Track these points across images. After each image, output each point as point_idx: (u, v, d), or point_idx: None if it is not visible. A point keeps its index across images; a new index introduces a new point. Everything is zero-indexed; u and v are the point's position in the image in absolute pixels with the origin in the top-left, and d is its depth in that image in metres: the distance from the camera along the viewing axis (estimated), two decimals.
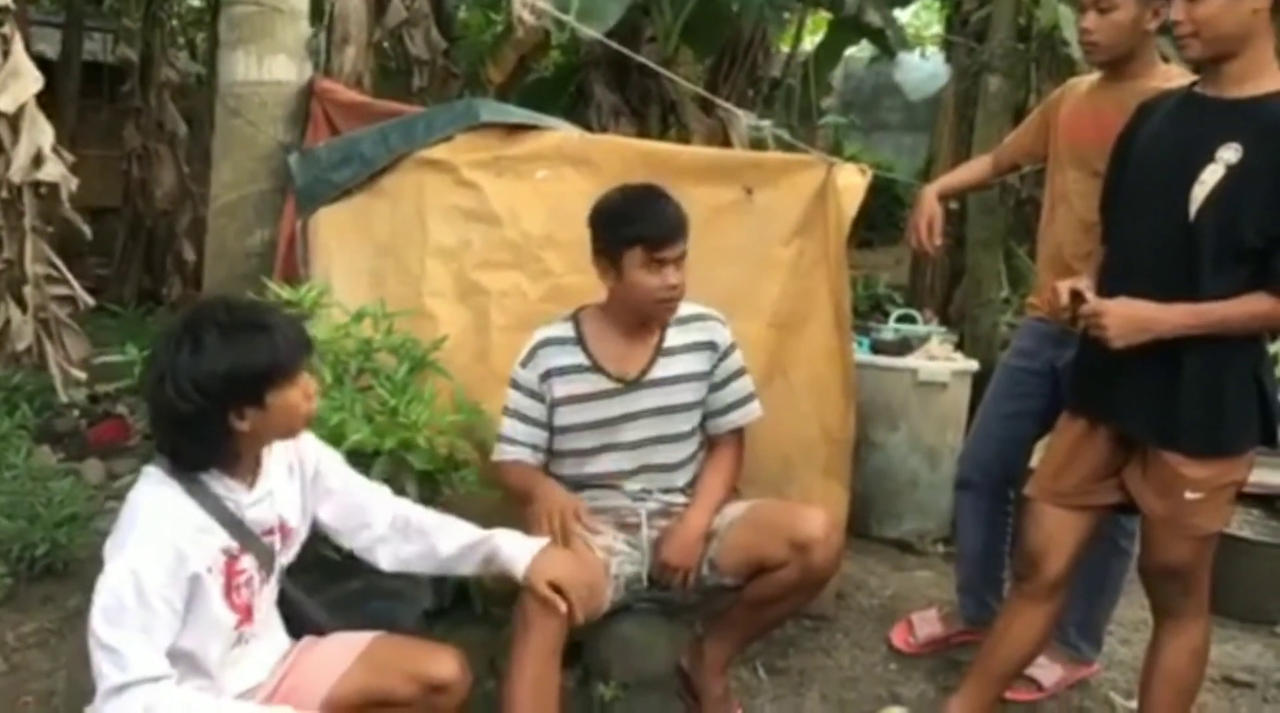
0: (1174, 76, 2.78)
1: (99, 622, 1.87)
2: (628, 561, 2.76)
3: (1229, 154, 2.25)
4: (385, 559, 2.36)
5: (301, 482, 2.27)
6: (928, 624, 3.41)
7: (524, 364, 2.80)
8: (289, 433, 2.15)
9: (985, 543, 3.26)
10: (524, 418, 2.80)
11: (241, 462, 2.09)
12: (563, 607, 2.31)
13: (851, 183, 3.23)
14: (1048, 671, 3.15)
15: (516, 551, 2.36)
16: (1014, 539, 3.36)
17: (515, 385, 2.81)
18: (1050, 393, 2.98)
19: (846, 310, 3.33)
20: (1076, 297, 2.42)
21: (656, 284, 2.65)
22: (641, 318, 2.77)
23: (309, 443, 2.30)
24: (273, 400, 2.00)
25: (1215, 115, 2.31)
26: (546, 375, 2.77)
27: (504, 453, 2.83)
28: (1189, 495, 2.37)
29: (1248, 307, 2.26)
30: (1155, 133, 2.44)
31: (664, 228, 2.65)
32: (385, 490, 2.43)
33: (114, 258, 8.16)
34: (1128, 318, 2.33)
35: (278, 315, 2.11)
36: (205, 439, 1.99)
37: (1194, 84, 2.41)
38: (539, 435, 2.81)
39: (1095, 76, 2.97)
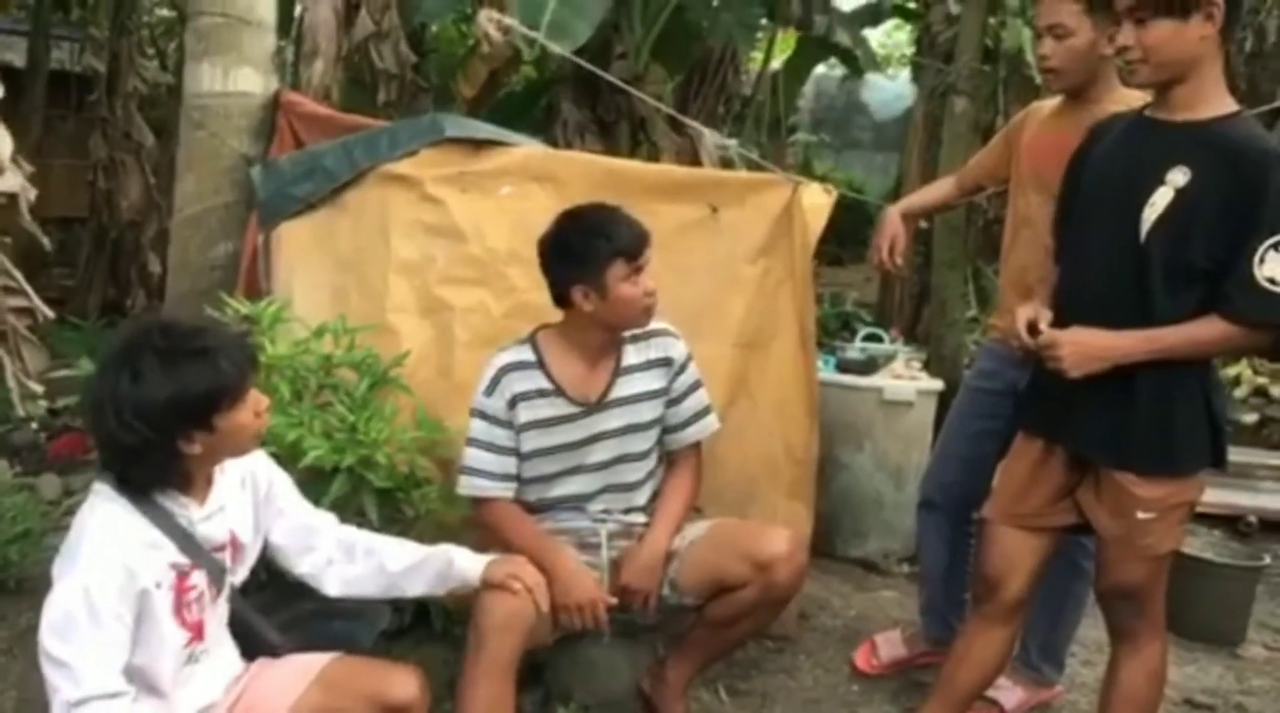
0: (1134, 100, 2.80)
1: (49, 638, 1.84)
2: None
3: (1178, 177, 2.27)
4: (333, 584, 2.34)
5: (254, 497, 2.24)
6: (891, 645, 3.40)
7: (488, 392, 2.72)
8: (241, 451, 2.13)
9: (948, 563, 3.26)
10: (494, 448, 2.73)
11: (193, 481, 2.07)
12: (516, 586, 2.34)
13: (817, 202, 3.25)
14: (1009, 693, 3.15)
15: (471, 561, 2.38)
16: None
17: (482, 415, 2.73)
18: (1012, 414, 3.00)
19: (811, 330, 3.34)
20: (1032, 327, 2.44)
21: (640, 292, 2.64)
22: (615, 335, 2.75)
23: (261, 460, 2.28)
24: (221, 423, 1.97)
25: (1165, 138, 2.33)
26: (513, 402, 2.72)
27: (477, 488, 2.74)
28: (1141, 515, 2.38)
29: (1201, 331, 2.27)
30: (1106, 155, 2.46)
31: (637, 235, 2.65)
32: (332, 517, 2.41)
33: (79, 269, 8.09)
34: (1083, 346, 2.34)
35: (219, 335, 2.05)
36: (154, 465, 1.97)
37: (1145, 107, 2.43)
38: (510, 464, 2.74)
39: (1058, 100, 2.98)
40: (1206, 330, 2.27)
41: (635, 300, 2.64)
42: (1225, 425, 2.42)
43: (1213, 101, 2.30)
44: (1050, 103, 3.03)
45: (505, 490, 2.74)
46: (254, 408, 2.05)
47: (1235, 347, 2.33)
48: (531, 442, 2.74)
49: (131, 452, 1.92)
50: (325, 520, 2.38)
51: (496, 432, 2.72)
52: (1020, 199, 3.01)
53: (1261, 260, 2.19)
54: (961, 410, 3.21)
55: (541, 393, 2.73)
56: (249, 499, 2.22)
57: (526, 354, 2.75)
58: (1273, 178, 2.18)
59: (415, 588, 2.39)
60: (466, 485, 2.74)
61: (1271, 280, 2.19)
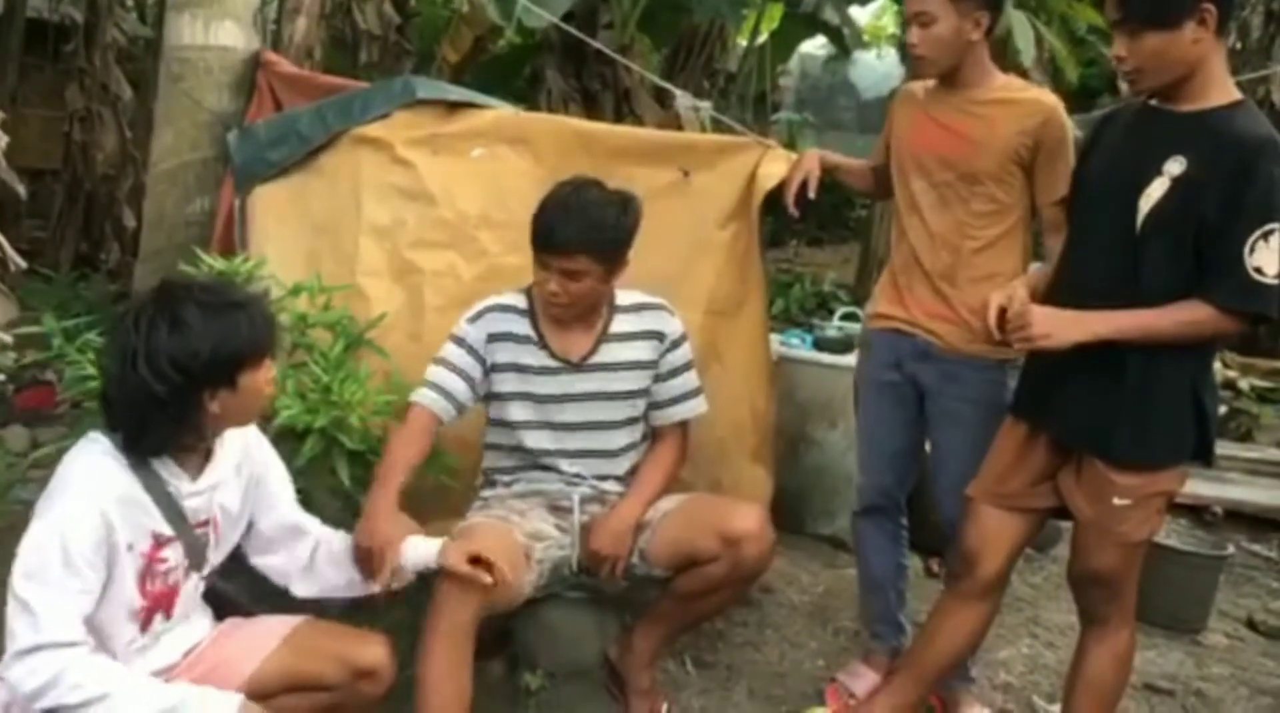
0: (1014, 85, 2.83)
1: (19, 580, 1.84)
2: (555, 545, 2.73)
3: (1174, 167, 2.27)
4: (300, 587, 2.37)
5: (246, 482, 2.24)
6: (858, 678, 3.16)
7: (471, 321, 2.75)
8: (250, 417, 2.15)
9: (895, 563, 3.16)
10: (453, 368, 2.71)
11: (196, 449, 2.08)
12: (486, 579, 2.32)
13: (774, 170, 3.19)
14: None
15: (427, 549, 2.38)
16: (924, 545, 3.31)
17: (457, 340, 2.74)
18: (919, 402, 2.96)
19: (767, 294, 3.39)
20: (1002, 312, 2.43)
21: (541, 282, 2.65)
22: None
23: (261, 446, 2.29)
24: (244, 382, 2.00)
25: (1165, 129, 2.33)
26: (493, 338, 2.73)
27: (417, 394, 2.71)
28: (1117, 502, 2.39)
29: (1179, 314, 2.27)
30: (1109, 146, 2.47)
31: (543, 231, 2.62)
32: (316, 521, 2.41)
33: (51, 221, 7.98)
34: (1053, 319, 2.35)
35: (249, 293, 2.10)
36: (174, 420, 1.97)
37: (1151, 96, 2.42)
38: (459, 387, 2.70)
39: (931, 83, 2.92)
40: (1180, 313, 2.27)
41: (539, 284, 2.66)
42: (1214, 421, 2.43)
43: (1214, 92, 2.30)
44: (923, 84, 2.96)
45: (435, 404, 2.68)
46: (268, 373, 2.08)
47: (1208, 332, 2.30)
48: (507, 385, 2.75)
49: (154, 405, 1.93)
50: (311, 525, 2.39)
51: (463, 356, 2.73)
52: (905, 187, 2.94)
53: (1251, 250, 2.19)
54: (879, 410, 3.06)
55: (525, 339, 2.74)
56: (240, 483, 2.22)
57: (519, 301, 2.78)
58: (1263, 165, 2.18)
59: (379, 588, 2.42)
60: (414, 393, 2.71)
61: (1259, 270, 2.20)
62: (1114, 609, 2.55)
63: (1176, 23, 2.22)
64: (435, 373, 2.73)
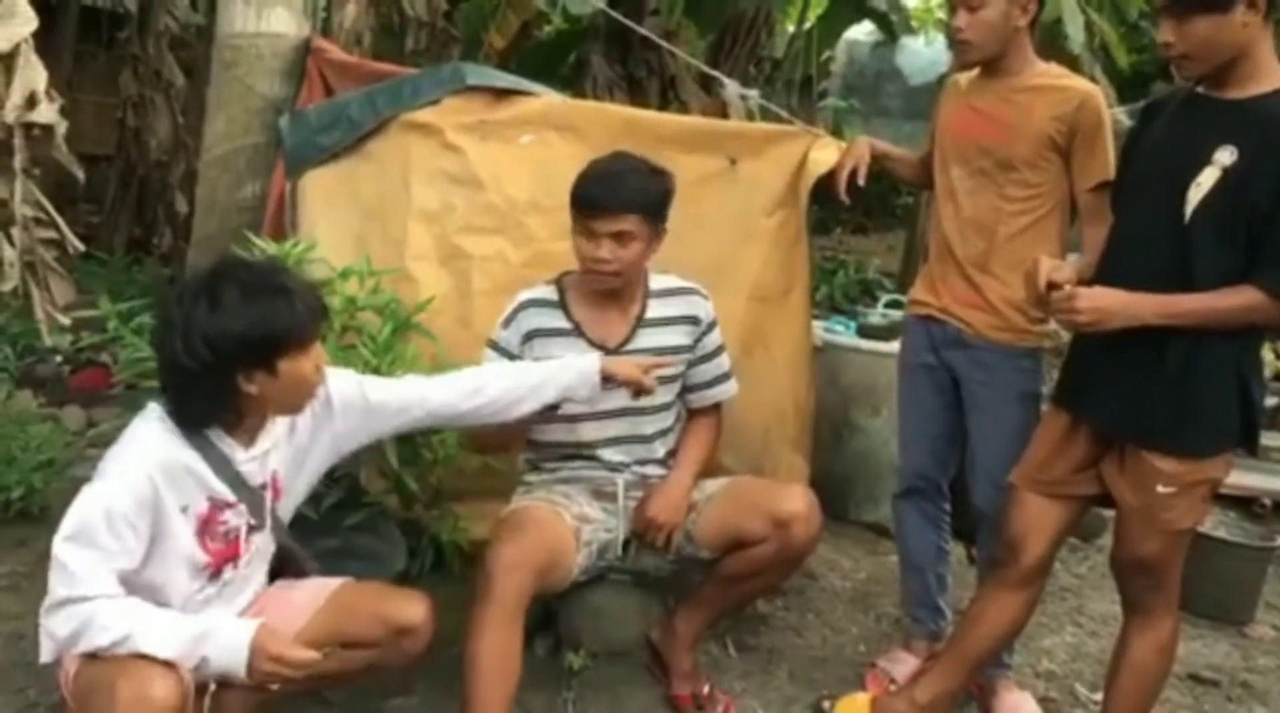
0: (1053, 72, 2.82)
1: (60, 539, 1.90)
2: (601, 528, 2.76)
3: (1225, 157, 2.25)
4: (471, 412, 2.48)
5: (296, 439, 2.26)
6: (899, 663, 3.18)
7: (505, 325, 2.78)
8: (295, 404, 2.16)
9: (934, 546, 3.17)
10: None
11: (243, 423, 2.11)
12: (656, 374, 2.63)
13: (824, 157, 3.20)
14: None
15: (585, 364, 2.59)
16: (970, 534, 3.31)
17: (494, 346, 2.78)
18: (956, 389, 2.97)
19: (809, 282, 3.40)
20: (1052, 286, 2.42)
21: (585, 249, 2.66)
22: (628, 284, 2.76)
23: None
24: (284, 367, 2.02)
25: (1214, 117, 2.31)
26: (529, 337, 2.76)
27: None
28: (1161, 490, 2.38)
29: (1224, 299, 2.26)
30: (1156, 136, 2.45)
31: (590, 196, 2.63)
32: (422, 387, 2.45)
33: (105, 206, 8.10)
34: (1100, 301, 2.34)
35: (297, 279, 2.10)
36: (210, 397, 2.01)
37: (1198, 82, 2.40)
38: None
39: (975, 73, 2.94)
40: (1230, 299, 2.25)
41: (581, 251, 2.67)
42: (1260, 409, 2.41)
43: (1263, 77, 2.28)
44: (967, 75, 2.98)
45: None
46: (315, 361, 2.08)
47: (1258, 319, 2.29)
48: None
49: (190, 379, 1.97)
50: (417, 394, 2.43)
51: (501, 361, 2.76)
52: (943, 174, 2.96)
53: None
54: (916, 394, 3.09)
55: (559, 332, 2.76)
56: (290, 443, 2.25)
57: (549, 293, 2.79)
58: None
59: (527, 408, 2.53)
60: None
61: None
62: (1158, 598, 2.54)
63: (1228, 5, 2.20)
64: None
